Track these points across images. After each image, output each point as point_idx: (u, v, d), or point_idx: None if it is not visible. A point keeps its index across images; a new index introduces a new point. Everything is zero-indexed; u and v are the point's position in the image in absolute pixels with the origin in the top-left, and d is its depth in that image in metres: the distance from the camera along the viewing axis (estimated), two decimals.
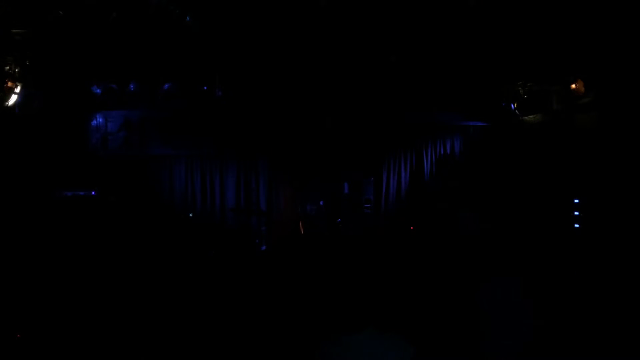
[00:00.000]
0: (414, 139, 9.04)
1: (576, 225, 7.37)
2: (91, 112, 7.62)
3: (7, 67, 5.21)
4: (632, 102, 6.32)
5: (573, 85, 6.18)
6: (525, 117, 7.41)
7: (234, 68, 6.35)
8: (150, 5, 3.57)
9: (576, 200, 7.39)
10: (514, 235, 7.46)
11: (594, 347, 3.55)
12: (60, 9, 3.55)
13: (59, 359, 4.26)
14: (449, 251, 7.40)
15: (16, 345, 5.65)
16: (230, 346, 3.23)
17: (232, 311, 3.60)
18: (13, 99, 5.66)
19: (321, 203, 7.97)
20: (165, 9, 3.60)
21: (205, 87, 6.93)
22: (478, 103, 7.37)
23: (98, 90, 6.44)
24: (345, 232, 7.59)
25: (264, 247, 6.95)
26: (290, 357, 3.01)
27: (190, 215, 7.28)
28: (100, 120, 7.78)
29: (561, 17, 4.83)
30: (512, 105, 7.37)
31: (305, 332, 3.08)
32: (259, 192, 8.68)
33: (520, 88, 7.05)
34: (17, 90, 5.55)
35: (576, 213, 7.39)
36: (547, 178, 8.05)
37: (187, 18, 3.84)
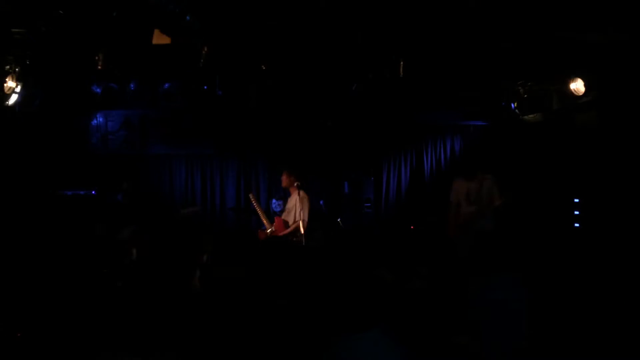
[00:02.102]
0: (414, 138, 9.05)
1: (576, 225, 7.38)
2: (91, 112, 7.63)
3: (8, 67, 5.21)
4: (632, 101, 6.32)
5: (572, 85, 6.19)
6: (525, 117, 7.41)
7: (234, 67, 6.35)
8: (150, 5, 3.57)
9: (576, 200, 7.40)
10: (514, 234, 7.47)
11: (592, 347, 3.56)
12: (60, 8, 3.56)
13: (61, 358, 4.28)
14: (448, 250, 7.40)
15: (16, 345, 5.66)
16: (232, 346, 3.24)
17: (233, 309, 3.60)
18: (13, 98, 5.66)
19: (321, 202, 7.97)
20: (165, 8, 3.61)
21: (205, 87, 6.94)
22: (478, 102, 7.37)
23: (98, 90, 6.44)
24: (346, 231, 7.59)
25: None
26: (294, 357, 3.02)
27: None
28: (101, 119, 7.78)
29: (561, 16, 4.84)
30: (512, 105, 7.37)
31: (306, 334, 3.08)
32: (259, 192, 8.69)
33: (520, 87, 7.05)
34: (18, 89, 5.55)
35: (576, 212, 7.40)
36: (547, 177, 8.06)
37: (187, 17, 3.84)
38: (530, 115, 7.36)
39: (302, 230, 6.40)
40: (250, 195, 7.38)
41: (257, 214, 7.19)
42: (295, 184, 6.60)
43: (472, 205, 6.92)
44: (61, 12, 3.53)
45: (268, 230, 6.89)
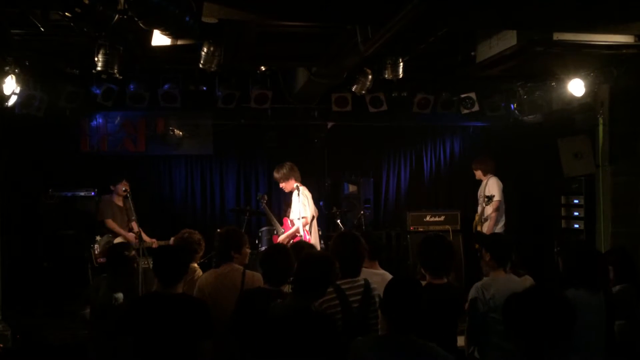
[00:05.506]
0: (413, 139, 9.04)
1: (576, 226, 7.39)
2: (91, 113, 7.63)
3: (7, 67, 5.20)
4: (632, 102, 6.33)
5: (571, 86, 6.19)
6: (525, 117, 7.42)
7: (233, 66, 6.35)
8: (151, 6, 3.57)
9: (576, 201, 7.41)
10: (513, 234, 7.48)
11: None
12: (60, 9, 3.56)
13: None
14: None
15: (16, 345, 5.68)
16: None
17: None
18: (13, 99, 5.66)
19: (321, 203, 7.97)
20: (165, 9, 3.60)
21: (205, 88, 6.95)
22: (477, 103, 7.37)
23: (98, 91, 6.44)
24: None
25: (264, 247, 6.94)
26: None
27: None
28: (100, 120, 7.78)
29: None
30: (512, 106, 7.37)
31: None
32: (259, 193, 8.66)
33: (519, 88, 7.05)
34: (17, 90, 5.55)
35: (576, 213, 7.41)
36: (547, 177, 8.06)
37: (187, 18, 3.84)
38: (530, 116, 7.36)
39: (300, 230, 6.35)
40: (260, 196, 7.23)
41: (268, 216, 7.14)
42: (295, 185, 6.56)
43: (481, 205, 7.07)
44: (60, 12, 3.52)
45: (279, 233, 6.84)
